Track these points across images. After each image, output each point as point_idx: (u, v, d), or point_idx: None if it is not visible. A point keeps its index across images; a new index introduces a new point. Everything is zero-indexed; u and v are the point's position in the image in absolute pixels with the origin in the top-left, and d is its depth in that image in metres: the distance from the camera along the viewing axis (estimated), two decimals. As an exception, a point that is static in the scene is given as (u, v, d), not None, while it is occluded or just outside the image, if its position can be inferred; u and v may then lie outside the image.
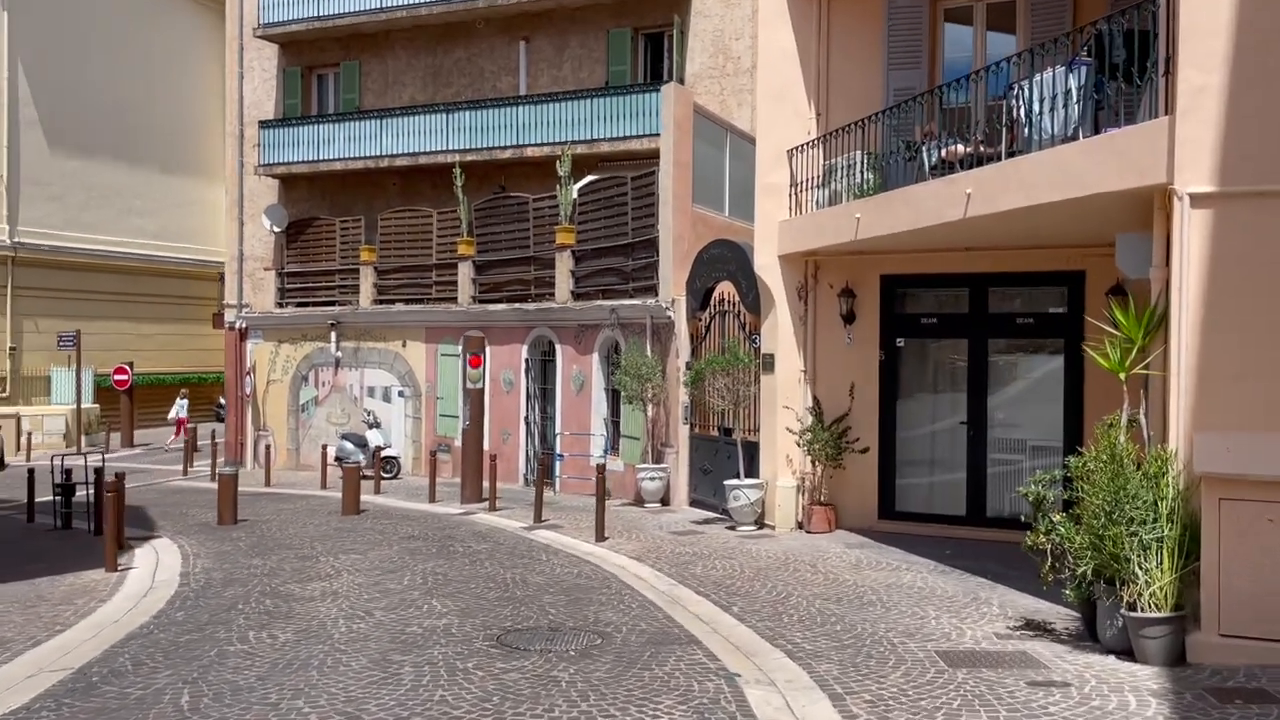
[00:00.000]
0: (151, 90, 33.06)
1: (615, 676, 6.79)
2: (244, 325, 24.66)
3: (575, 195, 18.39)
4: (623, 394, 15.85)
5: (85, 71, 31.61)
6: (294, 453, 23.52)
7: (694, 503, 15.34)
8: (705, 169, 16.44)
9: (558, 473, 18.26)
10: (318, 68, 24.74)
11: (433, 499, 17.19)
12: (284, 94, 24.67)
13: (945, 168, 10.57)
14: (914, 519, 12.61)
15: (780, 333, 13.07)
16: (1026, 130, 9.31)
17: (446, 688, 6.48)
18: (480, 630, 7.99)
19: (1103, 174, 8.13)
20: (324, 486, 19.77)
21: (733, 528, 13.15)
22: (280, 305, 24.04)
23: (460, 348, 20.48)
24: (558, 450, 18.33)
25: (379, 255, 22.38)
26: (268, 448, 22.35)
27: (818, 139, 12.73)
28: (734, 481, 13.26)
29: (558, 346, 18.54)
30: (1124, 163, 7.95)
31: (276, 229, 23.91)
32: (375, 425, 21.51)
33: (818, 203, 12.68)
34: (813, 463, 12.88)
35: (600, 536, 12.48)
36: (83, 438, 29.92)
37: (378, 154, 22.87)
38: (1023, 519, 8.47)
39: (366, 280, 22.42)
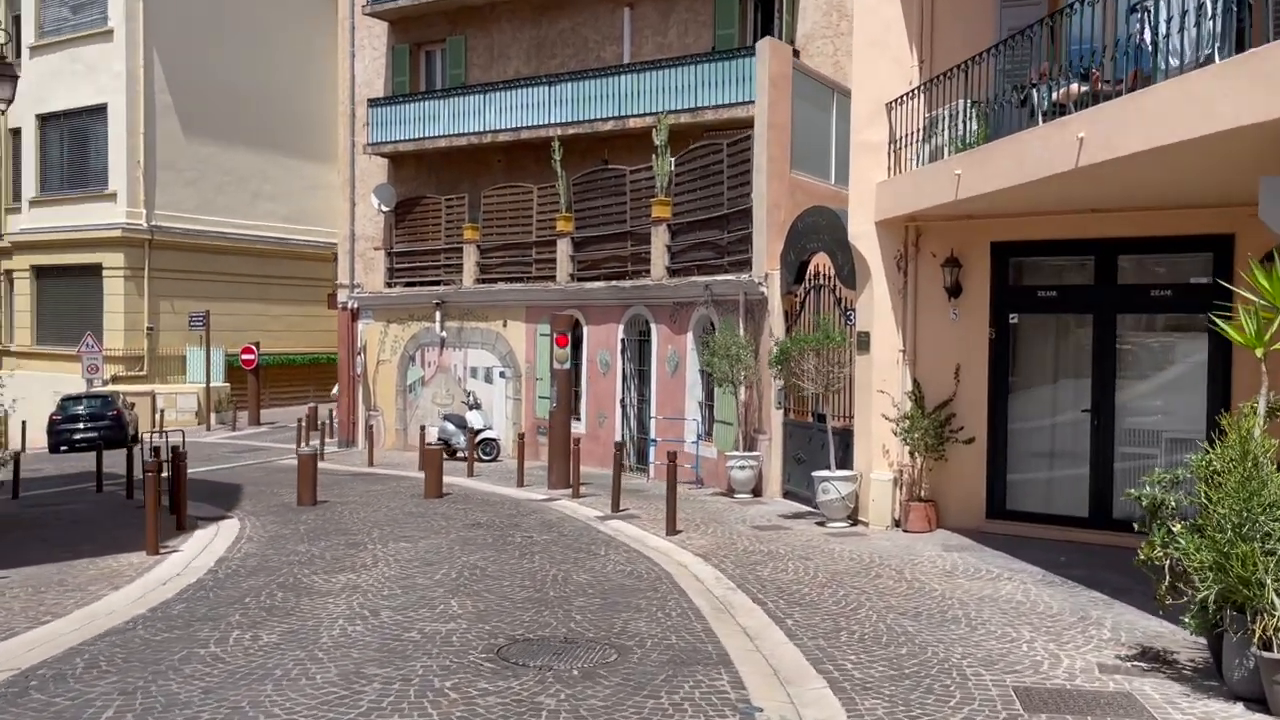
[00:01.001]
0: (277, 75, 33.65)
1: (611, 706, 5.76)
2: (355, 305, 24.65)
3: (672, 166, 17.31)
4: (714, 376, 14.72)
5: (216, 57, 32.40)
6: (402, 433, 23.34)
7: (787, 494, 14.10)
8: (807, 132, 15.08)
9: (652, 459, 17.30)
10: (425, 44, 24.39)
11: (520, 483, 16.51)
12: (392, 72, 24.45)
13: (1059, 112, 9.00)
14: (1027, 519, 11.07)
15: (876, 308, 11.70)
16: (1154, 58, 7.71)
17: (406, 714, 5.58)
18: (485, 639, 7.10)
19: (1244, 103, 6.53)
20: (421, 468, 19.38)
21: (822, 524, 11.89)
22: (389, 285, 23.88)
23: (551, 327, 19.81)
24: (651, 435, 17.36)
25: (481, 233, 21.86)
26: (371, 428, 22.23)
27: (919, 87, 11.26)
28: (823, 473, 11.99)
29: (653, 326, 17.55)
30: (1272, 87, 6.34)
31: (384, 208, 23.73)
32: (475, 406, 21.05)
33: (919, 160, 11.23)
34: (911, 454, 11.47)
35: (671, 529, 11.45)
36: (212, 415, 30.80)
37: (481, 130, 22.33)
38: (1135, 527, 6.98)
39: (469, 259, 21.95)
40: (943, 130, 10.75)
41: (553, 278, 20.05)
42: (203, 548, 10.73)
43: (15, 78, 14.57)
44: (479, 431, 20.40)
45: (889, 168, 11.68)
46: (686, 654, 6.79)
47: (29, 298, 33.85)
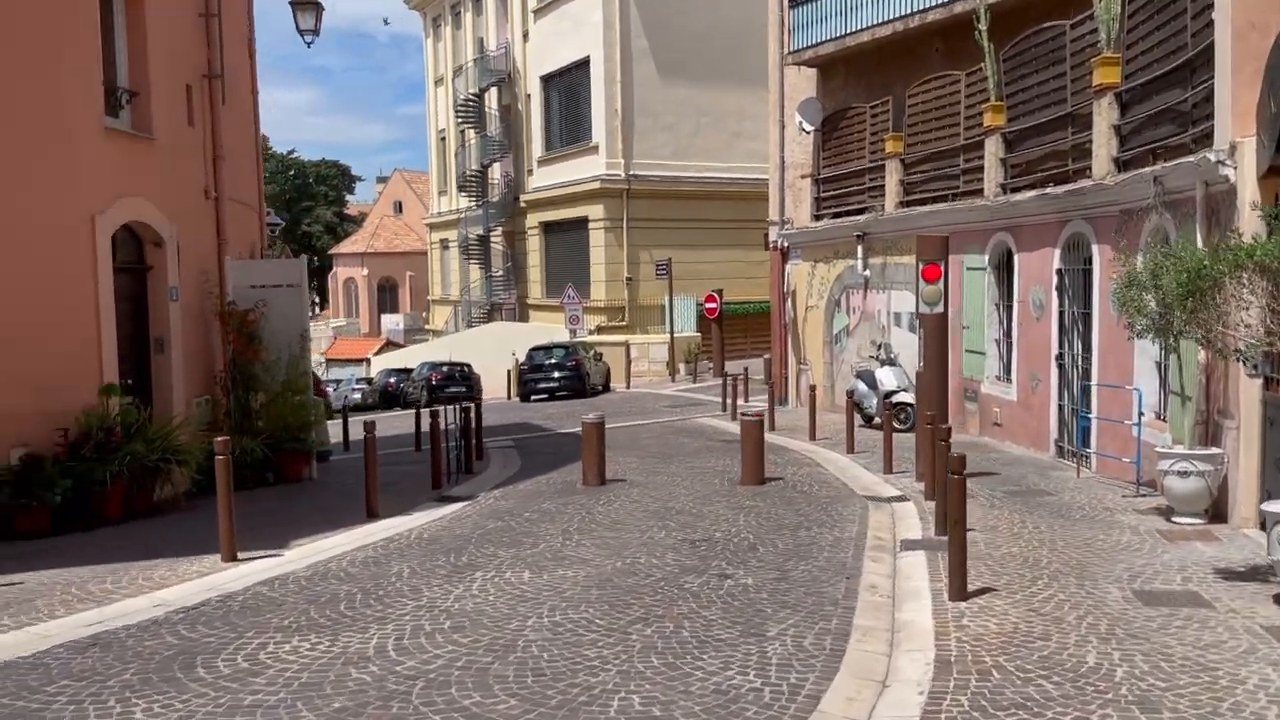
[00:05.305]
0: (747, 7, 31.22)
1: None
2: (785, 244, 21.57)
3: (1118, 6, 11.49)
4: (1133, 324, 9.14)
5: (686, -6, 30.97)
6: (829, 390, 19.85)
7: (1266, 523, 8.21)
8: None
9: (1093, 444, 11.91)
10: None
11: (889, 468, 12.31)
12: (817, -38, 20.60)
13: None
14: None
15: None
16: None
17: None
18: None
19: None
20: (812, 438, 15.87)
21: (1299, 601, 6.34)
22: (816, 218, 20.39)
23: (985, 259, 14.86)
24: (1086, 409, 11.94)
25: (905, 144, 17.36)
26: (813, 387, 18.91)
27: None
28: (1274, 506, 6.38)
29: (1094, 247, 11.99)
30: None
31: (809, 127, 20.23)
32: (889, 362, 16.85)
33: None
34: None
35: (958, 592, 6.73)
36: (682, 366, 29.84)
37: (908, 11, 17.68)
38: None
39: (892, 177, 17.61)
40: None
41: (980, 191, 15.03)
42: (317, 549, 8.58)
43: (320, 6, 13.77)
44: (892, 393, 16.22)
45: None
46: None
47: (539, 254, 35.91)
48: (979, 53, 14.83)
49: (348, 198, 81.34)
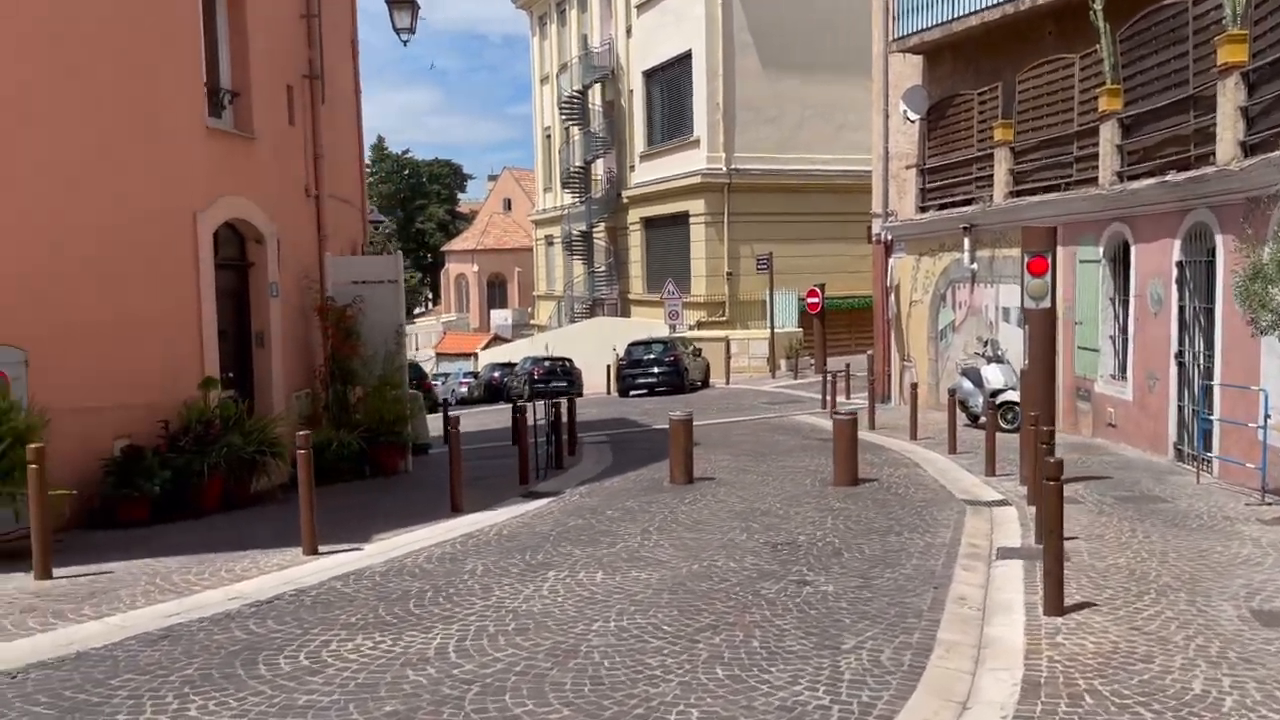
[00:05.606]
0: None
1: None
2: (888, 237, 20.96)
3: (1246, -25, 10.69)
4: (1258, 320, 8.46)
5: (792, -15, 30.45)
6: (933, 389, 19.20)
7: None
8: None
9: (1215, 448, 11.14)
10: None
11: (991, 470, 11.77)
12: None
13: None
14: None
15: None
16: None
17: None
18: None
19: None
20: (913, 438, 15.35)
21: None
22: (921, 210, 19.74)
23: (1100, 251, 14.11)
24: (1207, 411, 11.18)
25: (1015, 131, 16.61)
26: (914, 385, 18.31)
27: None
28: None
29: (1218, 237, 11.20)
30: None
31: (914, 116, 19.57)
32: (996, 359, 16.18)
33: None
34: None
35: (1054, 606, 6.28)
36: (782, 362, 29.37)
37: (1017, -7, 16.90)
38: None
39: (1001, 166, 16.88)
40: None
41: (1095, 180, 14.26)
42: (396, 543, 8.55)
43: (416, 5, 13.87)
44: (998, 392, 15.56)
45: None
46: None
47: (640, 249, 35.82)
48: (1094, 34, 14.04)
49: (459, 196, 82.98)
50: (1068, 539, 7.86)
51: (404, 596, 6.74)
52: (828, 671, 5.28)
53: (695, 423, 12.02)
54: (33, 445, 7.30)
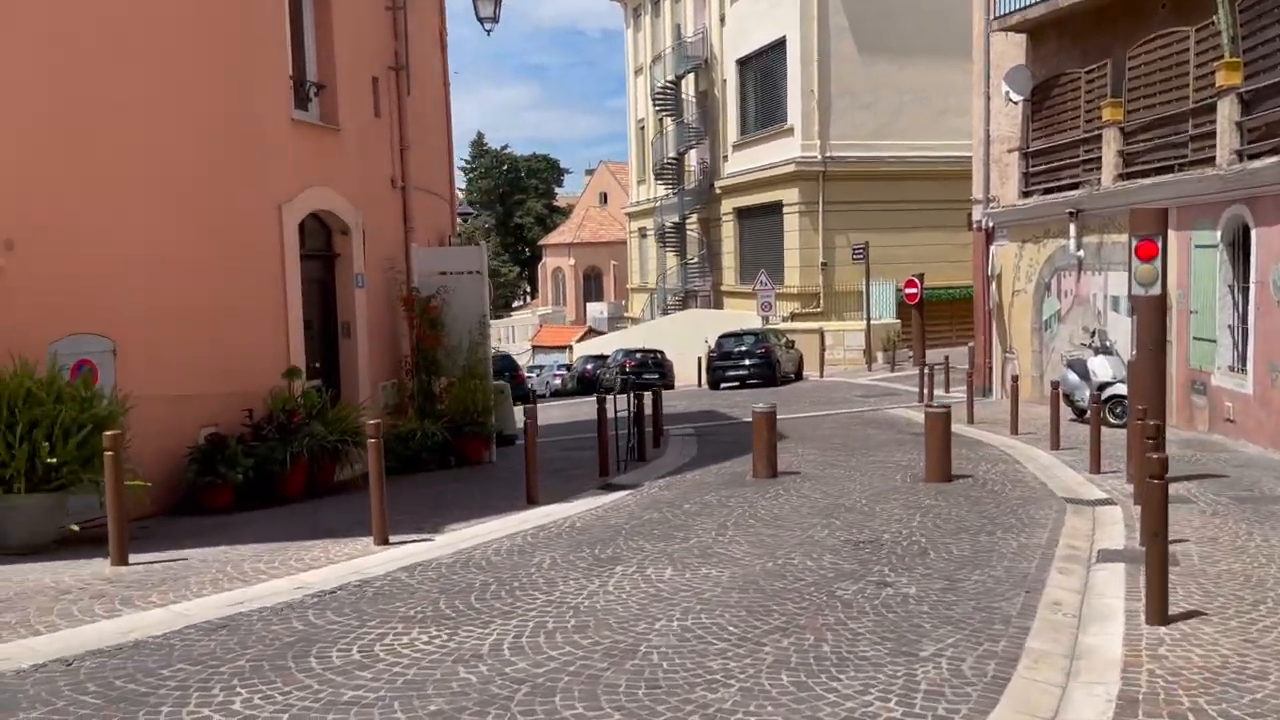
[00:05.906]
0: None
1: None
2: (990, 223, 20.16)
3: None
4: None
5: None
6: (1038, 381, 18.40)
7: None
8: None
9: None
10: None
11: (1095, 469, 11.12)
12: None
13: None
14: None
15: None
16: None
17: None
18: None
19: None
20: (1014, 432, 14.67)
21: None
22: (1024, 195, 18.92)
23: (1217, 235, 13.25)
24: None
25: (1126, 111, 15.72)
26: (1015, 378, 17.53)
27: None
28: None
29: (1349, 219, 10.35)
30: None
31: (1016, 97, 18.77)
32: (1104, 350, 15.38)
33: None
34: None
35: (1158, 615, 5.79)
36: (879, 354, 28.63)
37: (1129, -37, 16.00)
38: None
39: (1109, 147, 16.01)
40: None
41: (1212, 160, 13.37)
42: (462, 536, 8.40)
43: (500, -7, 13.75)
44: (1106, 384, 14.77)
45: None
46: None
47: (733, 240, 35.37)
48: (1210, 5, 13.16)
49: (557, 190, 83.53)
50: (1178, 541, 7.32)
51: (466, 590, 6.59)
52: (902, 680, 4.92)
53: (784, 416, 11.66)
54: (109, 432, 7.37)
